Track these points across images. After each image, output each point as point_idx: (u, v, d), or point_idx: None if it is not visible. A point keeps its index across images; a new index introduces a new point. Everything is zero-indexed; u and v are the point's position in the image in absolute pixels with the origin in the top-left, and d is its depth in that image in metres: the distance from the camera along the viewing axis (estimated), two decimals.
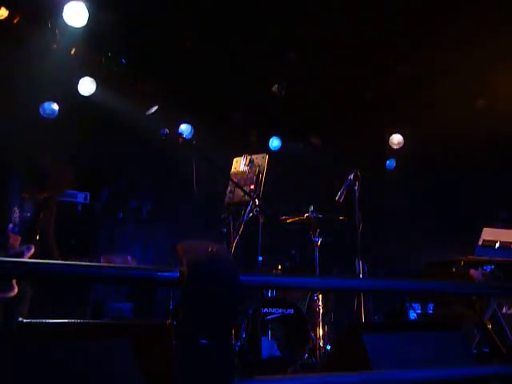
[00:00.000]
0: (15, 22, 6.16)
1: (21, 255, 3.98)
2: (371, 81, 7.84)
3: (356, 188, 5.60)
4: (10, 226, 4.17)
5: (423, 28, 6.69)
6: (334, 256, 6.68)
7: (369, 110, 8.23)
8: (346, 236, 6.17)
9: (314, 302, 5.82)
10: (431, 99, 7.85)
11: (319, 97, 8.01)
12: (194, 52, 7.13)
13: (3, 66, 6.22)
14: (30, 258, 4.00)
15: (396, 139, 8.88)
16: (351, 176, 5.60)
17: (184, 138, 5.49)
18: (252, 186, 5.28)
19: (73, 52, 6.76)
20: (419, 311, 6.75)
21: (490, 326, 5.29)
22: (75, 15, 6.28)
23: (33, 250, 4.05)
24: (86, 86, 7.28)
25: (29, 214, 4.28)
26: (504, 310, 5.81)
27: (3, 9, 6.02)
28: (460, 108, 7.64)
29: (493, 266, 5.71)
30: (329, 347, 5.57)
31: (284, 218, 6.12)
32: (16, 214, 4.22)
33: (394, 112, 8.36)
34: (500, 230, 6.31)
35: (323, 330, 5.67)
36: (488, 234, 6.24)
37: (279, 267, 6.28)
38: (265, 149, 8.16)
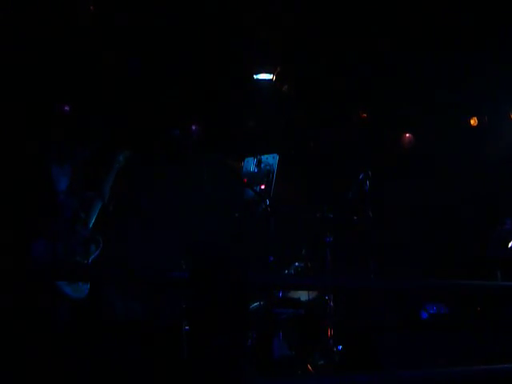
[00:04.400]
0: None
1: None
2: (382, 80, 7.82)
3: (367, 188, 5.58)
4: None
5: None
6: (345, 256, 6.65)
7: (380, 110, 8.21)
8: (358, 236, 6.15)
9: (325, 303, 5.80)
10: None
11: (328, 96, 8.01)
12: (202, 53, 7.15)
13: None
14: None
15: (407, 139, 8.86)
16: (362, 175, 5.59)
17: (196, 139, 5.51)
18: (263, 186, 5.28)
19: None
20: (431, 311, 6.73)
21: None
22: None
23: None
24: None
25: None
26: None
27: None
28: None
29: None
30: (340, 347, 5.56)
31: (295, 217, 6.11)
32: None
33: (405, 111, 8.33)
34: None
35: (334, 330, 5.65)
36: (500, 234, 6.21)
37: (290, 267, 6.27)
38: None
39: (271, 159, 5.42)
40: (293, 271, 6.23)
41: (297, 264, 6.37)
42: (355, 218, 5.96)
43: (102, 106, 7.13)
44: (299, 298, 6.11)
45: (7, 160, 4.49)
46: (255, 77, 7.86)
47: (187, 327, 4.86)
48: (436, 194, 8.41)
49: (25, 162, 4.36)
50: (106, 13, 6.44)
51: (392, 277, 5.89)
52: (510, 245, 6.10)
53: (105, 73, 7.20)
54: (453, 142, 8.14)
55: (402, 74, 7.73)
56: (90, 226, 4.47)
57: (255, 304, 5.64)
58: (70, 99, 6.96)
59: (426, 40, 6.91)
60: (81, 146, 4.58)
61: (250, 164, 5.49)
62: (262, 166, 5.40)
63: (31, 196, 4.14)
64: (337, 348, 5.56)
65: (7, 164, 4.44)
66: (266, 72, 7.86)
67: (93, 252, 4.44)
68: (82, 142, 4.67)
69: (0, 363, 3.28)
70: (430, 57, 7.25)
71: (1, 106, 5.35)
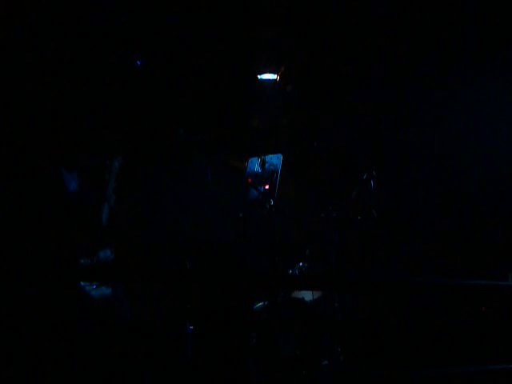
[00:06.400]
0: None
1: None
2: (386, 79, 7.82)
3: (371, 187, 5.59)
4: None
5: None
6: (349, 256, 6.65)
7: (383, 109, 8.19)
8: (362, 235, 6.15)
9: (329, 303, 5.81)
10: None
11: (332, 94, 8.01)
12: (205, 53, 7.16)
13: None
14: None
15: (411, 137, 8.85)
16: (366, 175, 5.60)
17: (200, 139, 5.52)
18: (267, 186, 5.29)
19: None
20: None
21: None
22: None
23: None
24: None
25: None
26: None
27: None
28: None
29: None
30: (344, 348, 5.55)
31: (299, 217, 6.12)
32: None
33: (409, 111, 8.31)
34: None
35: (338, 330, 5.65)
36: None
37: (294, 267, 6.28)
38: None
39: (275, 159, 5.43)
40: (297, 271, 6.24)
41: (301, 264, 6.38)
42: (359, 217, 5.97)
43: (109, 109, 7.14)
44: (303, 298, 6.12)
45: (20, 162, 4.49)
46: (259, 77, 7.87)
47: (191, 327, 4.88)
48: (441, 193, 8.38)
49: (37, 163, 4.35)
50: (106, 13, 6.46)
51: (396, 276, 5.87)
52: None
53: (108, 74, 7.22)
54: (459, 140, 8.11)
55: (406, 73, 7.72)
56: (101, 230, 4.47)
57: (259, 304, 5.65)
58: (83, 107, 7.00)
59: (428, 41, 6.92)
60: (91, 155, 4.63)
61: (254, 164, 5.50)
62: (266, 166, 5.41)
63: (46, 197, 4.16)
64: (341, 348, 5.57)
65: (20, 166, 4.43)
66: (270, 72, 7.87)
67: (102, 257, 4.41)
68: (93, 152, 4.70)
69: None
70: (432, 57, 7.25)
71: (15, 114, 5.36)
